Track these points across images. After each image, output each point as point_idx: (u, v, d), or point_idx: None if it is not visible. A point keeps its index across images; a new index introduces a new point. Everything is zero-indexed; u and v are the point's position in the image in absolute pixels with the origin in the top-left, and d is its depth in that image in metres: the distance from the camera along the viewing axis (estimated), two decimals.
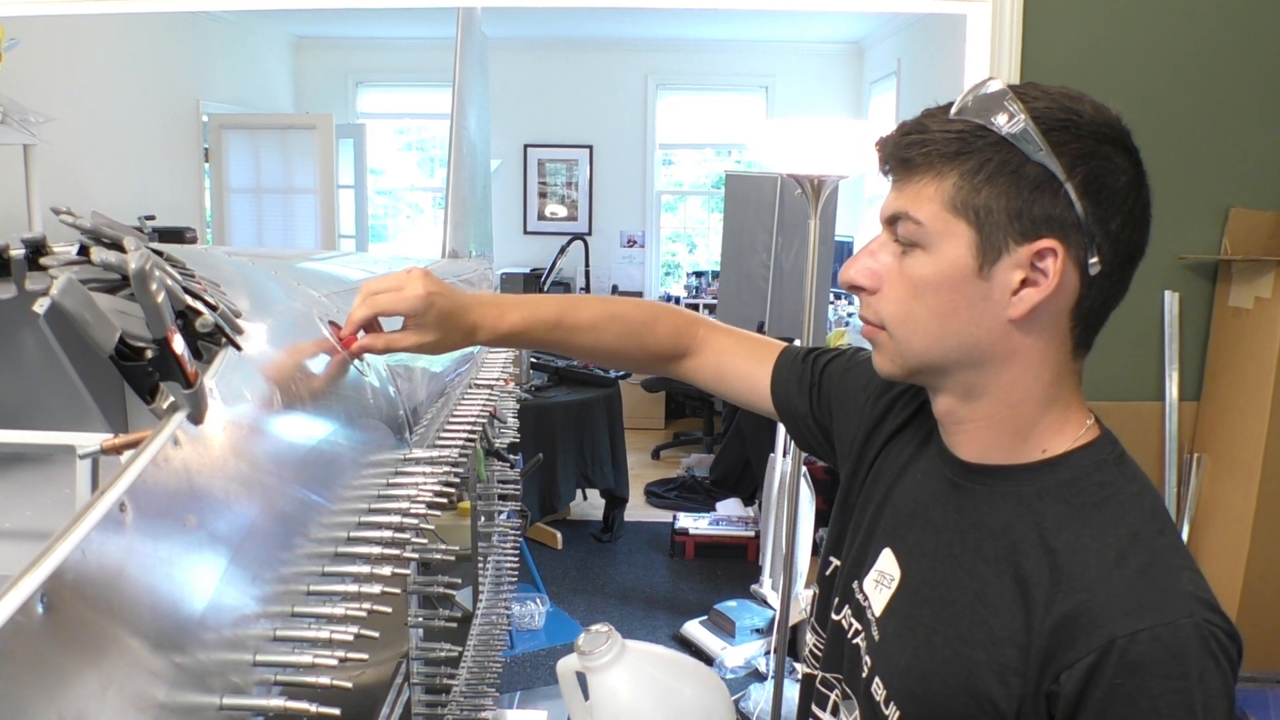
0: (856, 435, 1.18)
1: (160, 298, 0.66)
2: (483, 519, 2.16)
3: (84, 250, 1.03)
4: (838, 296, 6.88)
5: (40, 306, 0.95)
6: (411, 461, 1.15)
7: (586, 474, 5.20)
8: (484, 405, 1.62)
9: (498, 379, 1.97)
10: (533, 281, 7.62)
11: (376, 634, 0.82)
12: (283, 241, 6.62)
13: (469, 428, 1.44)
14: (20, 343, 1.25)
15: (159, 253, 1.01)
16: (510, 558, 2.43)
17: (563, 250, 7.17)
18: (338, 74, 8.02)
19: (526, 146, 8.06)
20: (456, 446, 1.33)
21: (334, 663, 0.72)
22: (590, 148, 8.09)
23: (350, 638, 0.77)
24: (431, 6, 2.60)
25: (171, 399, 0.67)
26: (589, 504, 5.76)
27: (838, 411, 1.22)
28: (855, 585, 1.09)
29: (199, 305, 0.78)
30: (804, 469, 4.22)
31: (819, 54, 7.84)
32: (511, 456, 2.37)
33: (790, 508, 3.43)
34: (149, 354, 0.66)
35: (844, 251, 6.97)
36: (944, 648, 0.95)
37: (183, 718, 0.58)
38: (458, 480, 1.22)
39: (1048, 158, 0.88)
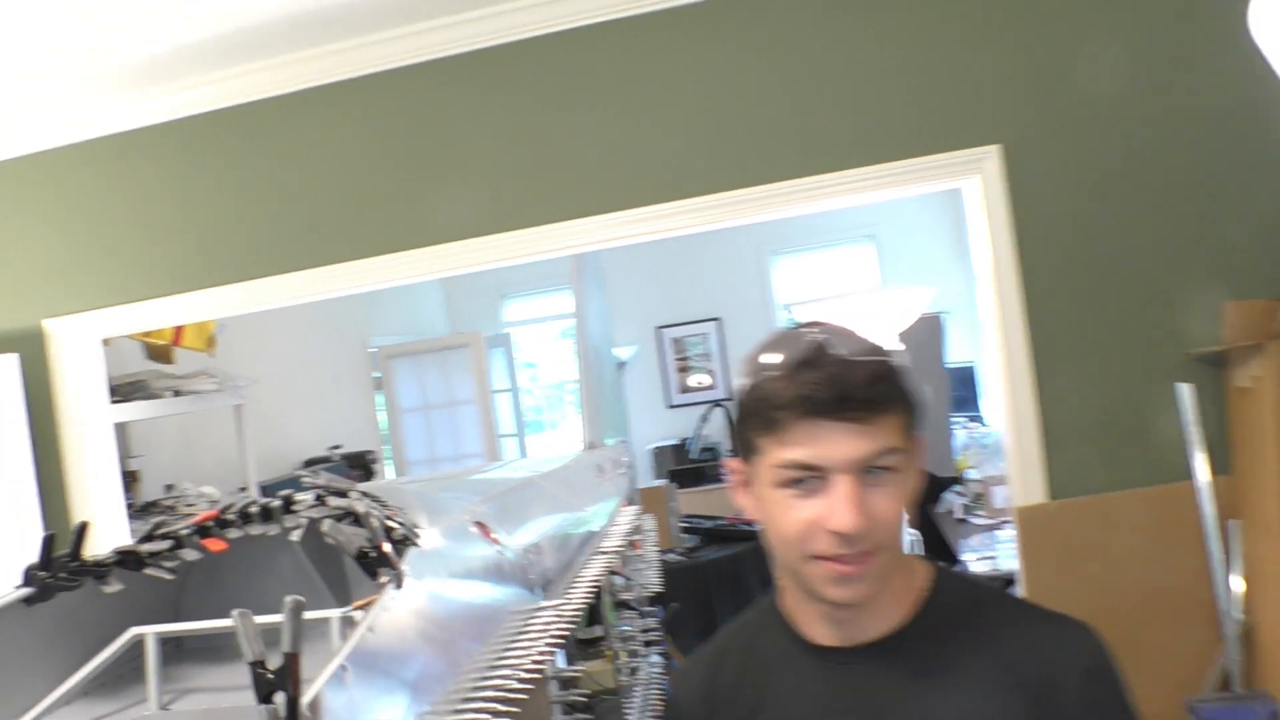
0: None
1: (375, 523, 1.23)
2: (625, 663, 2.66)
3: (319, 498, 1.63)
4: (973, 419, 7.18)
5: (296, 535, 1.56)
6: (540, 609, 1.69)
7: None
8: (604, 565, 2.15)
9: (622, 544, 2.51)
10: (680, 450, 8.16)
11: None
12: (452, 448, 7.36)
13: (589, 583, 1.97)
14: (278, 562, 1.86)
15: (367, 494, 1.60)
16: (659, 694, 2.91)
17: (704, 418, 7.72)
18: (484, 291, 8.88)
19: (659, 328, 8.71)
20: (579, 596, 1.86)
21: None
22: (718, 320, 8.69)
23: None
24: (549, 257, 3.22)
25: (385, 578, 1.23)
26: None
27: None
28: None
29: (394, 524, 1.34)
30: None
31: (919, 199, 8.33)
32: (651, 608, 2.88)
33: None
34: (372, 555, 1.23)
35: (964, 377, 7.30)
36: None
37: None
38: (578, 620, 1.75)
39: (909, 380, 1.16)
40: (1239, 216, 2.88)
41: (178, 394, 4.21)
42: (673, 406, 8.79)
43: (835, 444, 1.08)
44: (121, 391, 3.92)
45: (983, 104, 2.92)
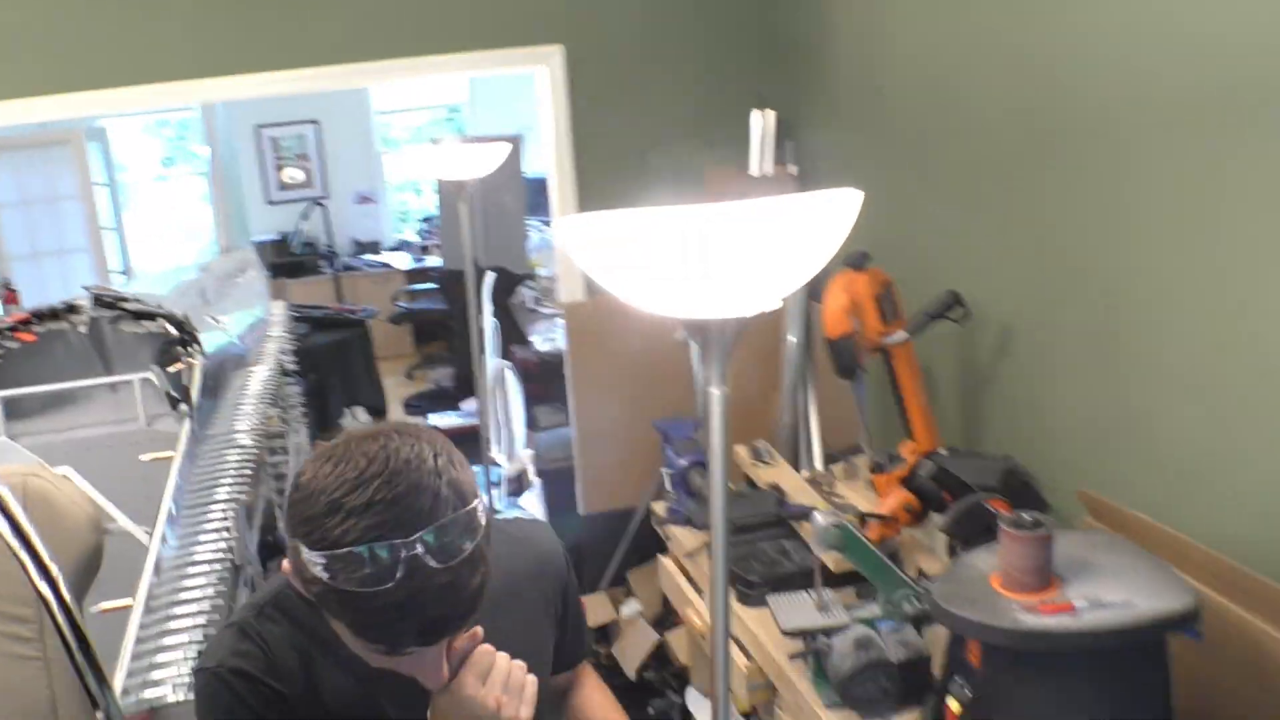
0: None
1: (184, 316, 2.11)
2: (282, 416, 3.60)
3: (96, 301, 2.44)
4: (546, 224, 8.33)
5: (83, 329, 2.39)
6: (254, 372, 2.61)
7: (353, 396, 6.61)
8: (279, 345, 3.07)
9: (285, 331, 3.41)
10: (282, 245, 8.78)
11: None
12: (55, 243, 7.58)
13: (274, 357, 2.89)
14: (54, 348, 2.63)
15: (138, 298, 2.43)
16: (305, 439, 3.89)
17: (304, 216, 8.41)
18: None
19: (258, 127, 9.11)
20: (273, 366, 2.79)
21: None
22: (317, 123, 9.23)
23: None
24: (165, 110, 3.80)
25: (193, 353, 2.11)
26: (358, 423, 7.16)
27: None
28: None
29: (185, 317, 2.22)
30: (509, 361, 5.77)
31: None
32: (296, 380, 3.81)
33: (502, 390, 4.99)
34: (185, 337, 2.11)
35: (540, 186, 8.41)
36: None
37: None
38: (281, 383, 2.69)
39: None
40: (720, 107, 4.08)
41: None
42: (272, 203, 9.30)
43: (425, 651, 1.18)
44: None
45: (552, 11, 3.91)
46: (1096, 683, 1.75)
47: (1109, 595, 1.75)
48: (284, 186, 9.31)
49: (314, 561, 1.07)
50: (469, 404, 7.05)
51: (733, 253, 1.20)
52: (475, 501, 1.15)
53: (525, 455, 5.60)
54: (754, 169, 4.00)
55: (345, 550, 1.06)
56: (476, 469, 4.93)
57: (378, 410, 6.85)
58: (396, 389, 7.80)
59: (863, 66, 3.50)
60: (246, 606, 1.34)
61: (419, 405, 7.50)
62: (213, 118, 4.72)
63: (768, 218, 1.20)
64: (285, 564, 1.17)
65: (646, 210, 1.22)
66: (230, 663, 1.27)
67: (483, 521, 1.15)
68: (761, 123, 3.95)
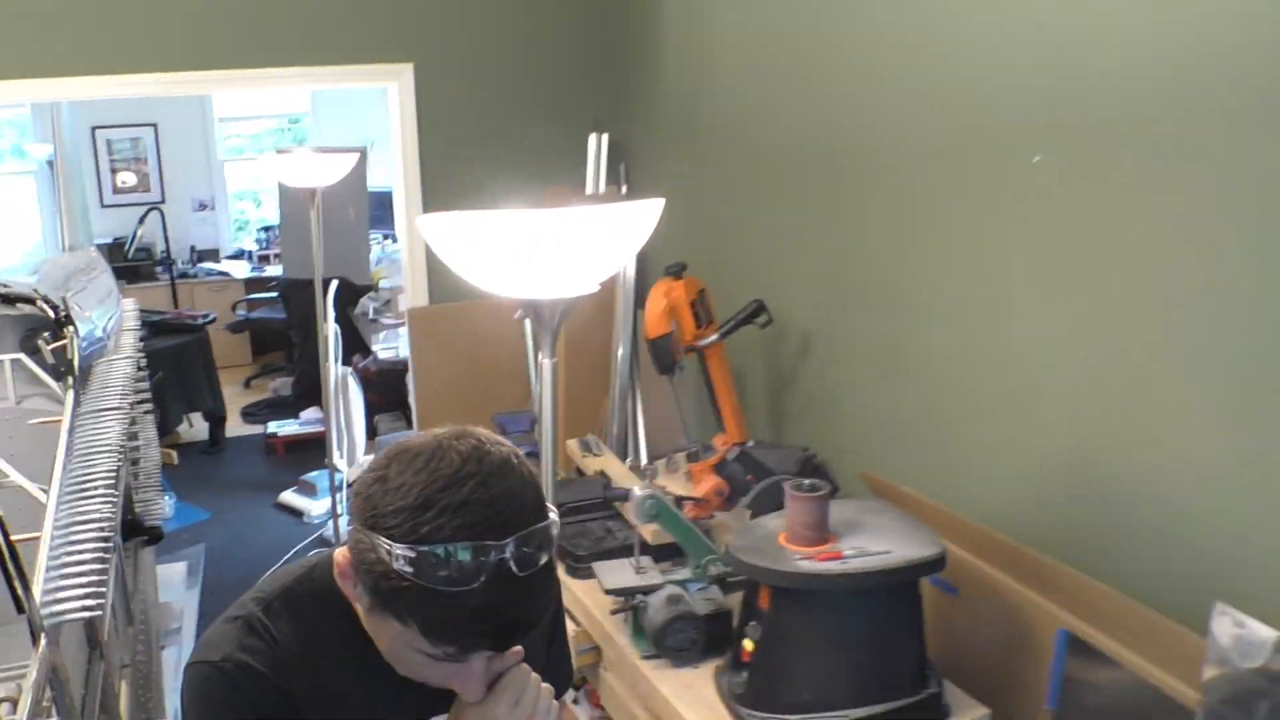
0: None
1: (60, 299, 2.28)
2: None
3: None
4: (388, 237, 8.48)
5: None
6: (117, 360, 2.77)
7: (191, 401, 6.64)
8: (134, 341, 3.22)
9: (137, 327, 3.55)
10: (117, 250, 8.68)
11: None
12: None
13: (131, 350, 3.05)
14: None
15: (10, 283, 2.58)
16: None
17: (141, 220, 8.35)
18: None
19: (94, 128, 8.98)
20: (131, 358, 2.95)
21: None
22: (155, 125, 9.15)
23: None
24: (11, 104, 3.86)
25: (70, 330, 2.29)
26: (195, 430, 7.17)
27: None
28: None
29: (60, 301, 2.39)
30: (351, 369, 5.93)
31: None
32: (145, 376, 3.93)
33: (344, 397, 5.15)
34: (62, 317, 2.28)
35: (384, 200, 8.56)
36: None
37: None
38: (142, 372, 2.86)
39: None
40: (560, 130, 4.40)
41: None
42: (106, 206, 9.16)
43: (472, 662, 1.17)
44: None
45: (404, 31, 4.15)
46: (862, 619, 2.10)
47: (873, 546, 2.11)
48: (117, 190, 9.18)
49: (400, 555, 1.06)
50: (309, 413, 7.15)
51: (562, 247, 1.50)
52: (553, 515, 1.16)
53: (366, 461, 5.78)
54: (589, 188, 4.33)
55: (435, 547, 1.05)
56: (321, 473, 5.06)
57: (217, 417, 6.89)
58: (234, 398, 7.81)
59: (685, 99, 3.86)
60: (251, 601, 1.28)
61: (257, 414, 7.55)
62: (58, 116, 4.74)
63: (590, 220, 1.50)
64: (340, 557, 1.18)
65: (494, 212, 1.51)
66: (236, 657, 1.21)
67: (555, 536, 1.15)
68: (597, 145, 4.27)
